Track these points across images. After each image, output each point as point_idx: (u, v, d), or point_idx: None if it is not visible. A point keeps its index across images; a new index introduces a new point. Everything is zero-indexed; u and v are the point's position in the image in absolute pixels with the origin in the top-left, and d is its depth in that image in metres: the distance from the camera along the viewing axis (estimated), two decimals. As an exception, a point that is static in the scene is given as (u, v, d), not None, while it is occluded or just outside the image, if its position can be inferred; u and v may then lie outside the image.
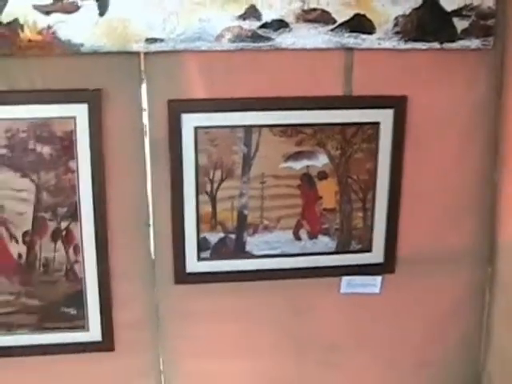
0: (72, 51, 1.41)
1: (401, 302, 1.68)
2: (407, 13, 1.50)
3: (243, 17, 1.47)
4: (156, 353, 1.65)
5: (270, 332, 1.67)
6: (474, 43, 1.52)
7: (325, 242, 1.64)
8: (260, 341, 1.67)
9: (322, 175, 1.58)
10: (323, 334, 1.70)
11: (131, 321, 1.60)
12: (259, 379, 1.69)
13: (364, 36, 1.51)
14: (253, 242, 1.60)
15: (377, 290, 1.68)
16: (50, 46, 1.39)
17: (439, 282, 1.69)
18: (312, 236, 1.63)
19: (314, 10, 1.49)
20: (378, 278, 1.68)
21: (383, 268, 1.67)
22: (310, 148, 1.56)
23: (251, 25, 1.48)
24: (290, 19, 1.48)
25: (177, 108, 1.48)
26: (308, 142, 1.55)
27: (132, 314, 1.60)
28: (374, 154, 1.58)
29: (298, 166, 1.57)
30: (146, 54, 1.47)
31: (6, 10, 1.34)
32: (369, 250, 1.66)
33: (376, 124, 1.57)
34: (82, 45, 1.41)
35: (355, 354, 1.72)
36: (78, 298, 1.56)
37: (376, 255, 1.66)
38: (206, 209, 1.56)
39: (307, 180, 1.58)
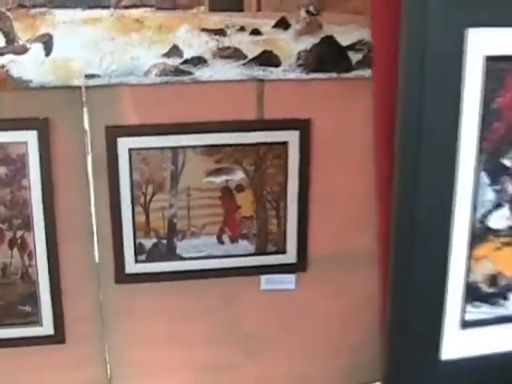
0: (23, 86, 1.61)
1: (314, 297, 1.90)
2: (308, 48, 1.73)
3: (167, 55, 1.70)
4: (102, 344, 1.86)
5: (199, 324, 1.89)
6: (367, 72, 1.75)
7: (244, 245, 1.87)
8: (191, 332, 1.88)
9: (240, 188, 1.82)
10: (246, 326, 1.93)
11: (79, 316, 1.81)
12: (191, 366, 1.91)
13: (271, 69, 1.77)
14: (182, 246, 1.83)
15: (292, 287, 1.93)
16: (5, 82, 1.60)
17: (348, 278, 1.91)
18: (233, 240, 1.86)
19: (228, 47, 1.74)
20: (293, 276, 1.92)
21: (296, 267, 1.92)
22: (228, 165, 1.79)
23: (174, 61, 1.70)
24: (207, 56, 1.71)
25: (113, 133, 1.71)
26: (226, 159, 1.79)
27: (80, 310, 1.80)
28: (284, 169, 1.82)
29: (219, 180, 1.81)
30: (86, 87, 1.67)
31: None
32: (283, 252, 1.90)
33: (284, 143, 1.81)
34: (31, 81, 1.61)
35: (275, 343, 1.95)
36: (32, 298, 1.75)
37: (290, 256, 1.90)
38: (141, 218, 1.78)
39: (227, 192, 1.81)
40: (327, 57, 1.77)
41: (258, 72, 1.77)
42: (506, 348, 0.89)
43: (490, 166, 0.80)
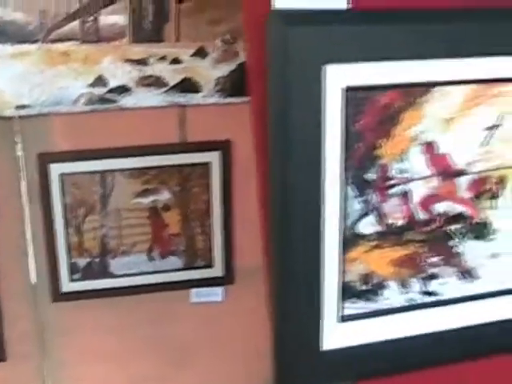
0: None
1: (242, 307, 2.02)
2: (226, 74, 1.87)
3: (93, 85, 1.82)
4: (41, 362, 1.94)
5: (134, 339, 1.99)
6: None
7: (174, 260, 1.99)
8: (126, 346, 1.98)
9: (166, 207, 1.95)
10: (177, 339, 2.04)
11: (19, 335, 1.89)
12: (126, 379, 2.02)
13: (192, 95, 1.91)
14: (114, 264, 1.94)
15: (220, 299, 2.05)
16: None
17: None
18: (163, 256, 1.98)
19: (150, 76, 1.88)
20: (220, 289, 2.04)
21: (224, 280, 2.04)
22: (154, 186, 1.92)
23: (100, 91, 1.82)
24: (131, 85, 1.83)
25: (45, 159, 1.82)
26: (153, 181, 1.92)
27: (19, 329, 1.89)
28: (207, 188, 1.96)
29: (146, 201, 1.93)
30: (18, 117, 1.79)
31: None
32: (210, 266, 2.03)
33: (207, 164, 1.95)
34: (-36, 113, 1.69)
35: (205, 354, 2.06)
36: (-29, 318, 1.80)
37: (217, 270, 2.03)
38: (74, 239, 1.89)
39: (154, 212, 1.94)
40: (243, 82, 1.88)
41: (180, 98, 1.88)
42: (381, 338, 1.04)
43: (356, 181, 0.95)
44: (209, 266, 2.04)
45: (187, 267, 2.02)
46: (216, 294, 2.02)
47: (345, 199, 0.94)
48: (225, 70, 1.90)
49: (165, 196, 1.93)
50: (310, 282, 0.94)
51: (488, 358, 1.07)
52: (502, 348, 1.08)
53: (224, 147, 1.96)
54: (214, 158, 1.96)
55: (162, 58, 1.85)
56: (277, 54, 0.87)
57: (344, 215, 0.95)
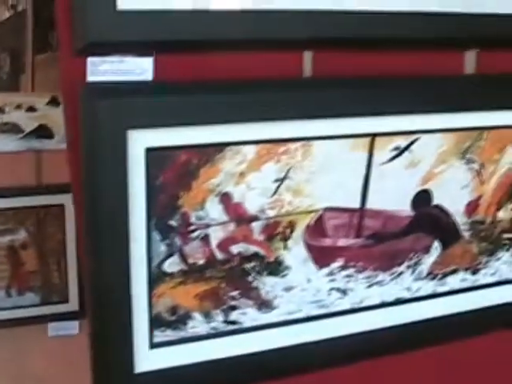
0: None
1: None
2: None
3: None
4: None
5: None
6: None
7: (31, 296, 2.15)
8: None
9: (24, 246, 2.11)
10: (36, 371, 2.20)
11: None
12: None
13: (47, 140, 2.08)
14: None
15: (76, 332, 2.21)
16: None
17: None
18: (20, 293, 2.13)
19: (7, 123, 2.05)
20: (76, 323, 2.21)
21: (79, 314, 2.20)
22: (12, 226, 2.08)
23: None
24: None
25: None
26: (10, 221, 2.07)
27: None
28: (62, 228, 2.13)
29: (4, 240, 2.09)
30: None
31: None
32: (66, 301, 2.18)
33: (62, 205, 2.12)
34: None
35: None
36: None
37: (72, 305, 2.19)
38: None
39: (12, 250, 2.10)
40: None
41: (35, 144, 2.04)
42: (189, 361, 1.23)
43: (160, 227, 1.13)
44: (65, 301, 2.17)
45: (44, 302, 2.17)
46: (72, 327, 2.17)
47: (150, 243, 1.12)
48: (78, 117, 2.05)
49: (22, 235, 2.07)
50: (123, 314, 1.12)
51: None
52: (296, 368, 1.28)
53: (78, 189, 2.07)
54: (68, 199, 2.08)
55: (18, 106, 2.01)
56: (89, 120, 1.06)
57: (150, 257, 1.12)
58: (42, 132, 2.12)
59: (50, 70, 2.09)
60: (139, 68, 1.12)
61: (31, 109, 2.08)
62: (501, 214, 1.46)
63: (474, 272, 1.47)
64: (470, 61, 1.38)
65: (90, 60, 1.10)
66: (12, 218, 2.10)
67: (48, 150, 2.10)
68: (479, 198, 1.43)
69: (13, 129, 2.07)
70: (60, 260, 2.17)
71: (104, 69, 1.11)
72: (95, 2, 1.06)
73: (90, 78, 1.10)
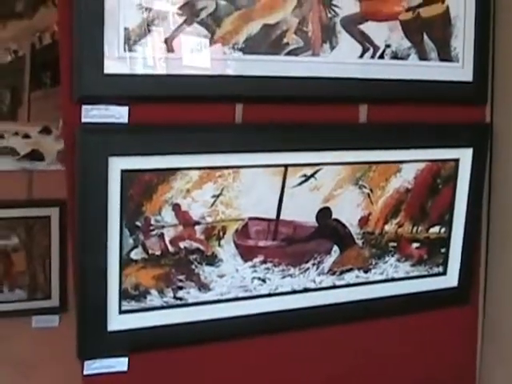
0: None
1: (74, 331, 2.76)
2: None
3: None
4: None
5: None
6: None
7: (19, 293, 2.69)
8: None
9: (15, 250, 2.66)
10: (23, 356, 2.72)
11: None
12: None
13: (38, 162, 2.64)
14: None
15: (56, 324, 2.75)
16: None
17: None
18: (11, 289, 2.68)
19: (6, 147, 2.61)
20: (57, 316, 2.75)
21: (60, 309, 2.75)
22: (5, 233, 2.63)
23: None
24: None
25: None
26: (4, 229, 2.62)
27: None
28: (48, 235, 2.69)
29: None
30: None
31: None
32: (49, 298, 2.74)
33: (48, 217, 2.68)
34: None
35: (45, 368, 2.73)
36: None
37: (54, 301, 2.73)
38: None
39: (4, 253, 2.64)
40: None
41: (28, 165, 2.61)
42: (149, 324, 1.80)
43: (129, 226, 1.70)
44: (48, 297, 2.72)
45: (30, 298, 2.71)
46: (54, 320, 2.72)
47: (122, 237, 1.70)
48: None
49: (14, 241, 2.63)
50: (100, 288, 1.69)
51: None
52: (225, 336, 1.86)
53: (62, 204, 2.64)
54: (53, 212, 2.68)
55: (16, 134, 2.58)
56: (82, 149, 1.64)
57: (121, 247, 1.71)
58: (35, 155, 2.68)
59: (44, 104, 2.67)
60: (118, 114, 1.69)
61: (26, 136, 2.66)
62: (387, 228, 2.01)
63: (366, 271, 2.03)
64: (362, 112, 1.95)
65: (84, 107, 1.66)
66: (5, 226, 2.67)
67: (39, 170, 2.67)
68: (369, 214, 1.98)
69: (10, 152, 2.63)
70: (45, 263, 2.73)
71: (93, 114, 1.67)
72: (88, 67, 1.63)
73: (84, 120, 1.67)
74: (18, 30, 2.63)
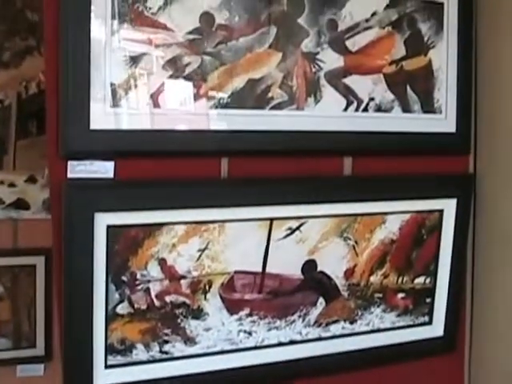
0: None
1: (58, 379, 2.77)
2: None
3: None
4: None
5: None
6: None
7: (4, 342, 2.71)
8: None
9: (0, 298, 2.68)
10: None
11: None
12: None
13: (24, 211, 2.67)
14: None
15: (41, 373, 2.77)
16: None
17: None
18: None
19: None
20: (42, 366, 2.76)
21: (45, 358, 2.76)
22: None
23: None
24: None
25: None
26: None
27: None
28: (34, 284, 2.71)
29: None
30: None
31: None
32: (34, 347, 2.75)
33: (34, 265, 2.70)
34: None
35: None
36: None
37: (39, 350, 2.75)
38: None
39: None
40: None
41: (14, 213, 2.63)
42: (133, 379, 1.81)
43: (115, 281, 1.73)
44: (33, 346, 2.73)
45: (15, 347, 2.72)
46: (38, 369, 2.74)
47: (108, 292, 1.72)
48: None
49: (-2, 291, 2.64)
50: (86, 343, 1.71)
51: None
52: None
53: (47, 253, 2.71)
54: (39, 261, 2.71)
55: (1, 182, 2.60)
56: (68, 204, 1.66)
57: (107, 302, 1.73)
58: (20, 204, 2.71)
59: (29, 152, 2.70)
60: (104, 169, 1.73)
61: (12, 185, 2.69)
62: (372, 279, 2.05)
63: (352, 322, 2.06)
64: (347, 165, 1.99)
65: (70, 163, 1.70)
66: (-9, 275, 2.66)
67: (24, 219, 2.69)
68: (355, 266, 2.02)
69: (-7, 201, 2.66)
70: (30, 311, 2.75)
71: (79, 169, 1.71)
72: (74, 123, 1.67)
73: (69, 176, 1.71)
74: (5, 79, 2.66)
